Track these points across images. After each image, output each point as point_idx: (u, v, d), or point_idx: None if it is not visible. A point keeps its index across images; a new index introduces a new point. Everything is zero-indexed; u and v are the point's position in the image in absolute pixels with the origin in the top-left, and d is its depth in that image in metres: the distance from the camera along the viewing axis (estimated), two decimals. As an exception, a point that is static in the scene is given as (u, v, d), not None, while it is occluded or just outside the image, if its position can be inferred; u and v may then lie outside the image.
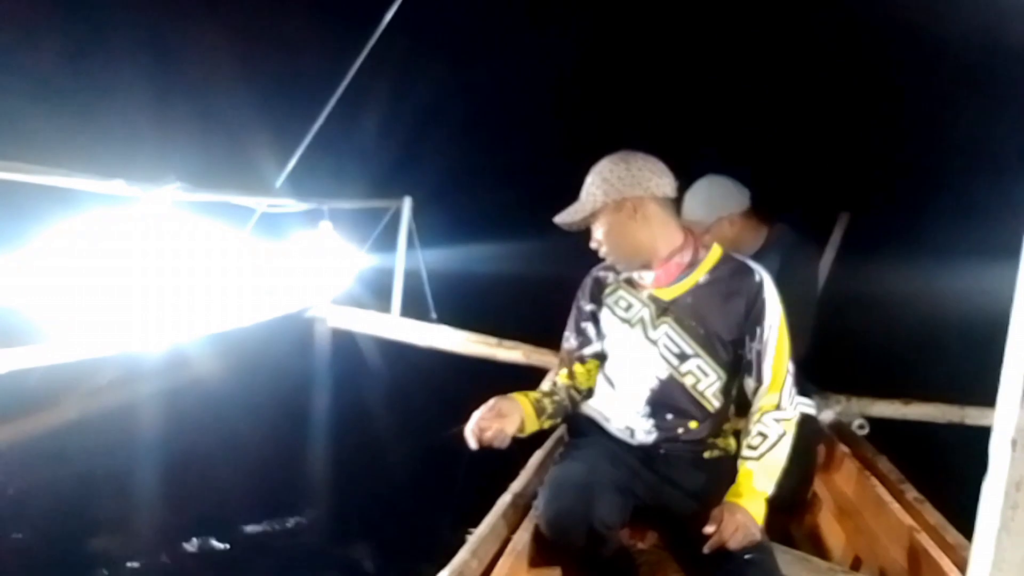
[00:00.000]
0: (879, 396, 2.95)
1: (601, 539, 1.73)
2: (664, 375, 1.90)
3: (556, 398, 2.06)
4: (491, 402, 1.85)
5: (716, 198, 2.52)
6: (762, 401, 1.84)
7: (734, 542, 1.61)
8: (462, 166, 5.43)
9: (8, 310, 2.06)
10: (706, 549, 1.62)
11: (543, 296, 2.23)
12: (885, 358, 4.00)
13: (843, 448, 2.65)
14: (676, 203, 1.95)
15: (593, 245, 1.95)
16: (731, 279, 1.88)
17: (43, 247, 2.18)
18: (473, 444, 1.77)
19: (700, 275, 1.90)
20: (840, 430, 2.78)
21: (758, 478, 1.75)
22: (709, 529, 1.63)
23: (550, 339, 2.30)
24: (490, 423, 1.79)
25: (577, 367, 2.10)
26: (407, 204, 3.92)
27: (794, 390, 1.87)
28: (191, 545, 3.30)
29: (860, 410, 2.85)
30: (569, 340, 2.12)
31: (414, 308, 3.79)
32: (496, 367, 3.27)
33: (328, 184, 3.65)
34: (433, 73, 5.25)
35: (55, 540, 2.87)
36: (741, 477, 1.76)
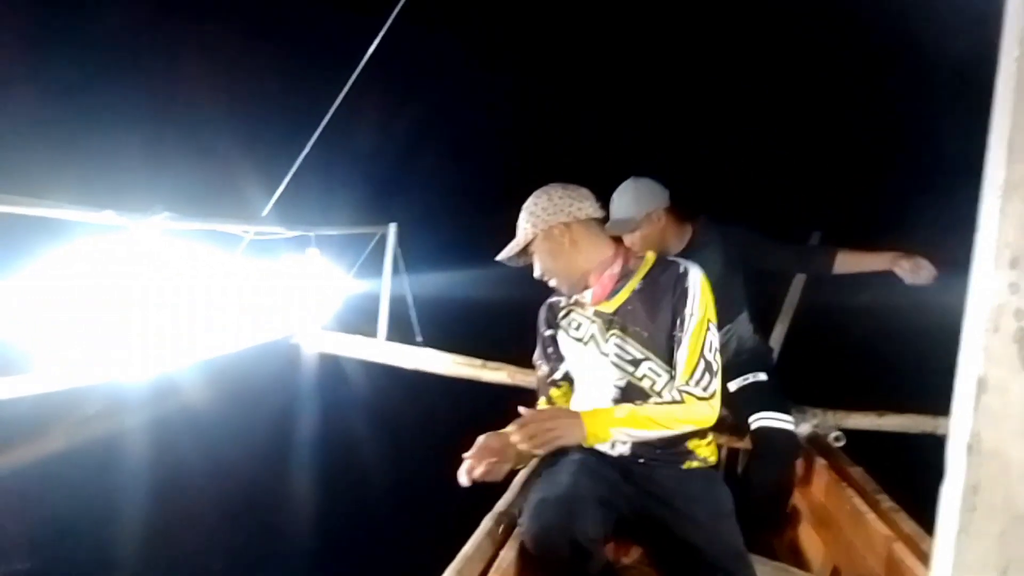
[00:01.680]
0: (854, 408, 3.00)
1: (586, 553, 1.75)
2: (622, 383, 1.96)
3: None
4: (480, 439, 1.88)
5: (643, 195, 2.68)
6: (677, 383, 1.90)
7: (531, 429, 1.69)
8: (447, 192, 5.49)
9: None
10: (511, 434, 1.71)
11: (525, 319, 2.28)
12: (861, 372, 4.06)
13: (820, 460, 2.70)
14: (602, 222, 2.06)
15: (536, 275, 2.06)
16: (661, 278, 1.97)
17: (32, 276, 2.21)
18: (465, 482, 1.81)
19: (636, 282, 1.99)
20: (817, 442, 2.83)
21: (621, 410, 1.82)
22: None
23: (532, 360, 2.36)
24: (479, 460, 1.84)
25: (553, 392, 2.19)
26: (392, 230, 3.97)
27: (706, 376, 1.88)
28: (177, 573, 3.28)
29: (836, 422, 2.90)
30: (541, 367, 2.22)
31: (400, 332, 3.82)
32: (481, 388, 3.31)
33: (315, 211, 3.69)
34: (418, 103, 5.32)
35: (46, 565, 2.86)
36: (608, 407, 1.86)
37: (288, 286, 3.44)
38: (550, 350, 2.17)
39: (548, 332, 2.17)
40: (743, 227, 2.76)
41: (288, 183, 2.88)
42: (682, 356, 1.88)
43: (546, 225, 1.95)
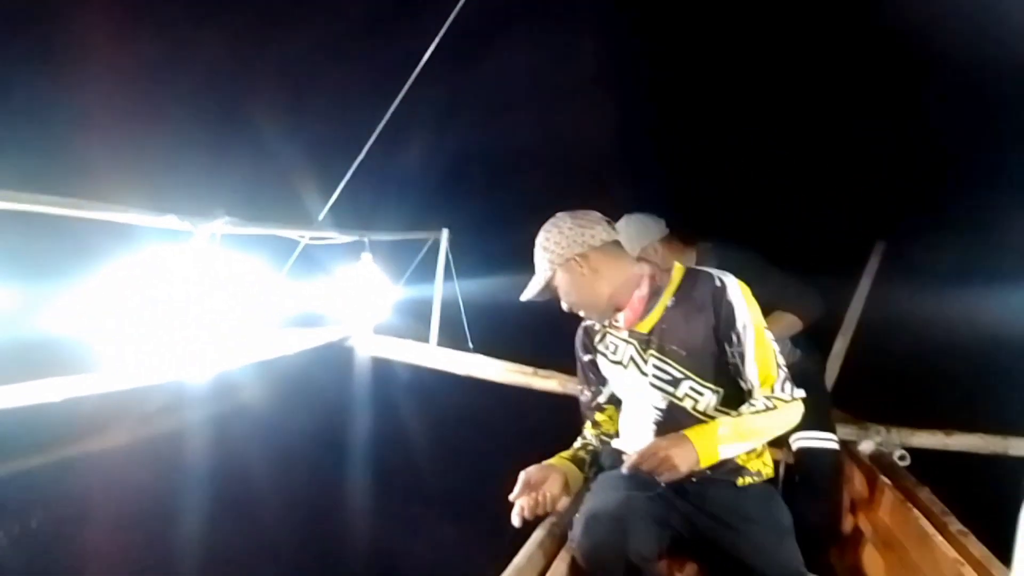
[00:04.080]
0: (921, 426, 2.90)
1: (638, 572, 1.72)
2: (663, 404, 1.92)
3: (590, 447, 2.12)
4: (521, 475, 1.88)
5: (633, 233, 2.71)
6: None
7: (648, 465, 1.65)
8: (499, 199, 5.49)
9: (69, 339, 2.16)
10: (623, 469, 1.69)
11: (577, 328, 2.27)
12: (928, 388, 3.92)
13: (884, 479, 2.61)
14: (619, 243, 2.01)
15: (565, 308, 2.03)
16: (694, 293, 1.91)
17: (102, 280, 2.28)
18: (517, 522, 1.81)
19: (667, 299, 1.93)
20: (881, 461, 2.74)
21: (724, 425, 1.73)
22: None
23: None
24: (524, 494, 1.83)
25: (598, 416, 2.17)
26: (444, 235, 3.99)
27: (787, 384, 1.83)
28: (233, 572, 3.35)
29: (901, 440, 2.81)
30: (583, 393, 2.21)
31: (451, 338, 3.84)
32: (532, 396, 3.30)
33: (368, 216, 3.73)
34: (472, 110, 5.35)
35: (107, 560, 2.95)
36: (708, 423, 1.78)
37: (342, 290, 3.48)
38: (591, 375, 2.15)
39: (587, 357, 2.14)
40: (748, 253, 2.68)
41: (343, 188, 2.91)
42: (752, 370, 1.82)
43: (562, 260, 1.92)
